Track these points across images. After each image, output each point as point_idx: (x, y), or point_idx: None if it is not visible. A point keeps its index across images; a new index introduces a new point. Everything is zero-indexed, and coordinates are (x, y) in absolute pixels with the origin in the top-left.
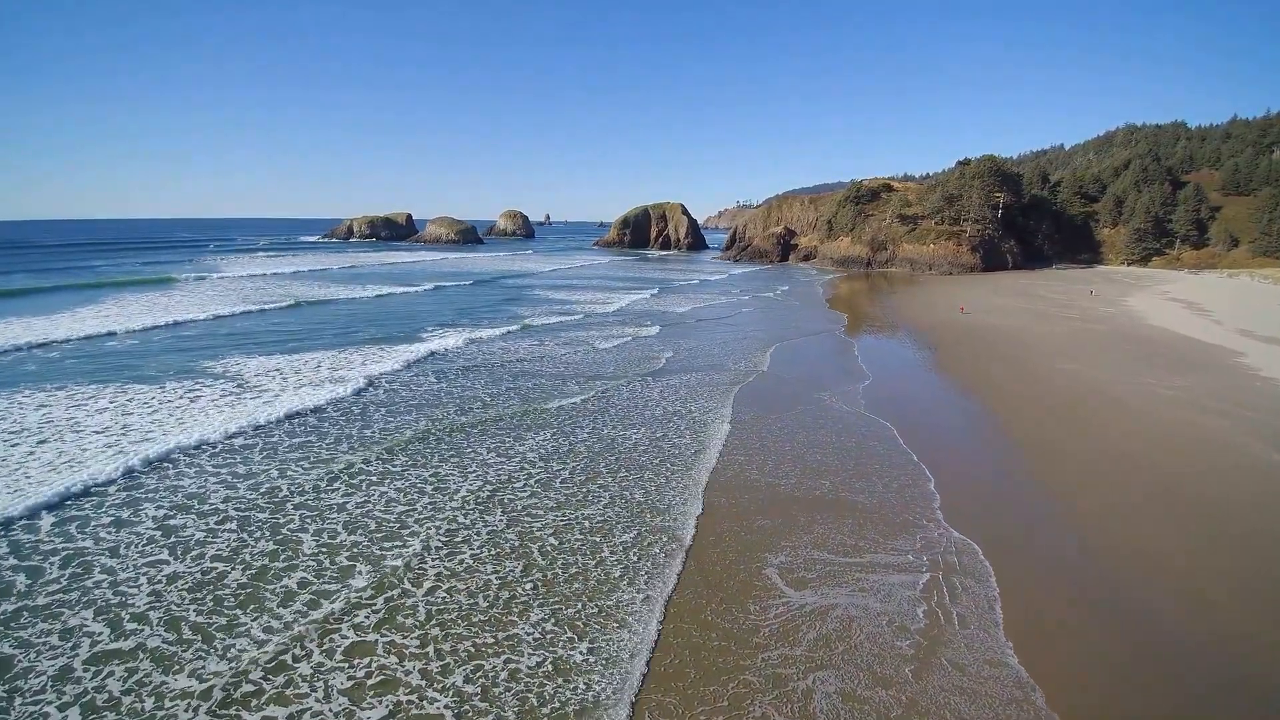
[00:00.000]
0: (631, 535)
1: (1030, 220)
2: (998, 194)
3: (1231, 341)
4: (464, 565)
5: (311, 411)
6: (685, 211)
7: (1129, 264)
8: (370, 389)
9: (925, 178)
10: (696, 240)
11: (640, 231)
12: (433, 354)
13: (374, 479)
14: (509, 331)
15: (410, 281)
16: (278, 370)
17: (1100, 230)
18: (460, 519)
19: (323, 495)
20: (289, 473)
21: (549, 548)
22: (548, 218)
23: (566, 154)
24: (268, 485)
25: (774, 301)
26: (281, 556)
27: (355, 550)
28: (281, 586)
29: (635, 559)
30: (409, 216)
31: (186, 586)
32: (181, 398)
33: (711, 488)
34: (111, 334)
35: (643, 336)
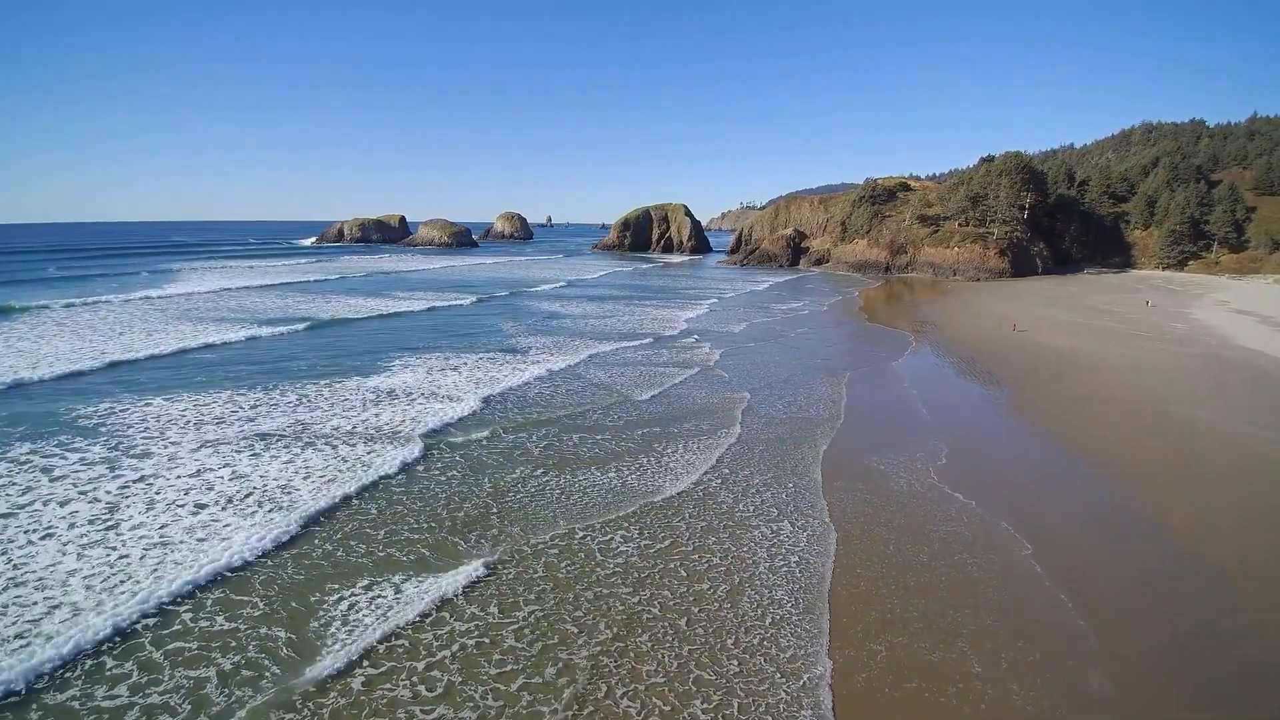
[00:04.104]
0: None
1: (1057, 221)
2: (1025, 193)
3: None
4: None
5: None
6: (688, 213)
7: (1164, 268)
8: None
9: (931, 178)
10: (700, 243)
11: (641, 234)
12: (438, 432)
13: None
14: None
15: (398, 296)
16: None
17: (1131, 232)
18: None
19: None
20: None
21: None
22: (549, 219)
23: (568, 155)
24: None
25: (818, 317)
26: None
27: None
28: None
29: None
30: (402, 219)
31: None
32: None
33: None
34: None
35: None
